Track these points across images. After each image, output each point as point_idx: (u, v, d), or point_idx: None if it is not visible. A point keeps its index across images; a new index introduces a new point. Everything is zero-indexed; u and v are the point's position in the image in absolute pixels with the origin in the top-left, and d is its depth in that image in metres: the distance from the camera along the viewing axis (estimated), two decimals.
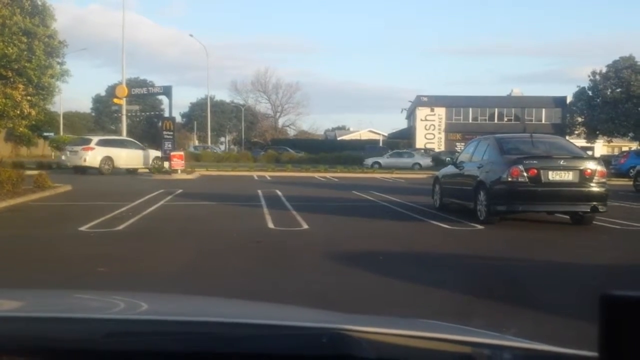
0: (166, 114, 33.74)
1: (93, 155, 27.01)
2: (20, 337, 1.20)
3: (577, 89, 57.58)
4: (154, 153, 29.09)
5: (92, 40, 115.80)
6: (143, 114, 59.42)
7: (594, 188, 10.39)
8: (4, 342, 1.17)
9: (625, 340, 0.75)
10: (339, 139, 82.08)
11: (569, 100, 60.76)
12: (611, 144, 60.99)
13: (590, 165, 10.56)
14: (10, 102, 20.31)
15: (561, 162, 10.44)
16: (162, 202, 14.09)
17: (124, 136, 31.47)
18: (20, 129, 26.09)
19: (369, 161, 41.51)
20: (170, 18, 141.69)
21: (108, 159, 27.26)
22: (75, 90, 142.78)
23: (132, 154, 28.60)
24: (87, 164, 26.83)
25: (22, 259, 7.40)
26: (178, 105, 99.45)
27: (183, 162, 26.22)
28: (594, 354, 0.97)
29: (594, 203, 10.33)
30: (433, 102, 64.32)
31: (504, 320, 4.69)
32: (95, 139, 28.93)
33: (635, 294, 0.75)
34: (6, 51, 19.86)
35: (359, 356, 1.12)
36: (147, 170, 27.84)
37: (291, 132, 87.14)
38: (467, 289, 5.94)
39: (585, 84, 56.48)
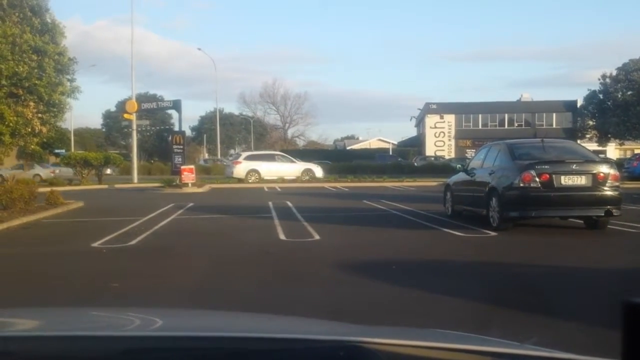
0: (176, 128, 33.85)
1: (240, 169, 31.37)
2: (38, 357, 1.20)
3: (587, 92, 57.47)
4: (303, 165, 32.81)
5: (98, 56, 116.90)
6: (153, 128, 59.80)
7: (608, 192, 10.30)
8: None
9: None
10: (348, 148, 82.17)
11: (579, 104, 60.50)
12: (623, 147, 60.59)
13: (603, 169, 10.47)
14: (22, 120, 20.47)
15: (573, 167, 10.36)
16: (173, 216, 14.12)
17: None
18: (32, 146, 26.30)
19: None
20: (176, 32, 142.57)
21: (254, 172, 31.21)
22: (84, 107, 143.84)
23: (280, 166, 32.05)
24: (234, 175, 31.23)
25: (35, 276, 7.42)
26: (187, 118, 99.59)
27: (193, 175, 26.30)
28: None
29: (608, 207, 10.24)
30: (442, 109, 64.28)
31: (523, 328, 4.64)
32: (244, 154, 34.59)
33: None
34: (17, 69, 20.04)
35: None
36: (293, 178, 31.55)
37: (300, 143, 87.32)
38: (483, 297, 5.89)
39: (596, 87, 56.35)
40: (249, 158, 32.92)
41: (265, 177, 31.23)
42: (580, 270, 7.22)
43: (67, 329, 1.49)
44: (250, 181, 30.62)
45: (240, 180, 30.60)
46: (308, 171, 32.43)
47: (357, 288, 6.43)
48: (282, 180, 30.76)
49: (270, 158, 33.61)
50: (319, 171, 32.83)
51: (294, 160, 33.83)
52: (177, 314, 2.24)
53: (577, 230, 10.93)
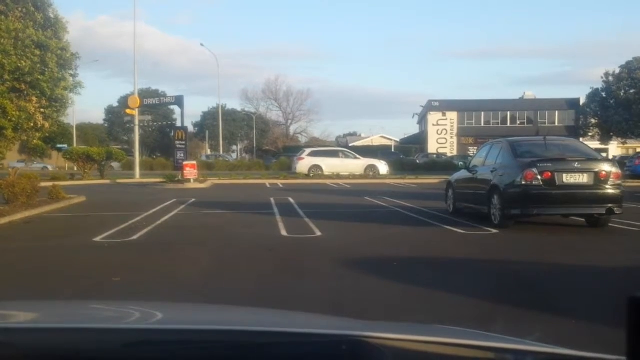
0: (178, 124, 33.96)
1: (303, 165, 32.20)
2: (39, 348, 1.20)
3: (590, 90, 57.32)
4: (367, 162, 32.78)
5: (100, 51, 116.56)
6: (155, 124, 59.69)
7: (609, 190, 10.29)
8: (23, 353, 1.17)
9: None
10: (350, 145, 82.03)
11: (582, 102, 60.41)
12: (625, 145, 60.50)
13: (605, 167, 10.45)
14: (24, 115, 20.45)
15: (575, 165, 10.35)
16: (175, 212, 14.13)
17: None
18: (34, 141, 26.27)
19: None
20: (178, 28, 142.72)
21: (316, 167, 31.92)
22: (86, 102, 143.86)
23: (343, 162, 32.33)
24: (297, 171, 31.93)
25: (37, 270, 7.44)
26: (190, 114, 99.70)
27: (196, 171, 26.34)
28: (621, 357, 0.94)
29: (610, 205, 10.23)
30: (445, 106, 64.22)
31: (524, 325, 4.64)
32: (307, 150, 35.12)
33: None
34: (19, 64, 20.03)
35: None
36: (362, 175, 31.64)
37: (303, 140, 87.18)
38: (484, 294, 5.89)
39: (599, 85, 56.25)
40: (312, 154, 33.20)
41: (328, 173, 31.42)
42: (581, 268, 7.21)
43: (67, 322, 1.49)
44: (311, 177, 30.77)
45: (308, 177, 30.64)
46: (372, 167, 32.30)
47: (358, 284, 6.43)
48: (337, 176, 30.65)
49: (333, 154, 33.83)
50: (383, 167, 32.53)
51: (358, 156, 33.69)
52: (178, 307, 2.24)
53: (578, 228, 10.92)
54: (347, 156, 33.36)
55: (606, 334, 4.20)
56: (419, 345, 1.17)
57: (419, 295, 5.93)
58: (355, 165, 32.41)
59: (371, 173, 31.79)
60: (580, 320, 4.92)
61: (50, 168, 35.98)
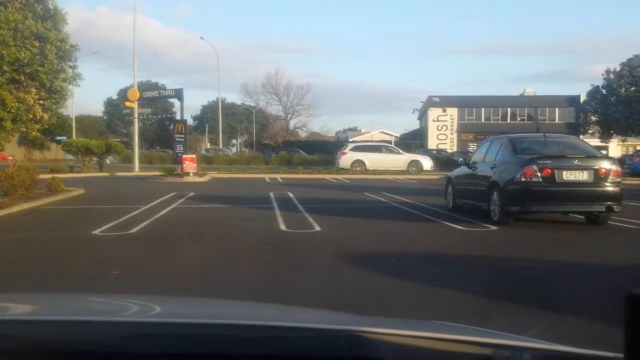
0: (178, 117, 33.84)
1: (345, 159, 32.43)
2: (37, 340, 1.20)
3: (590, 87, 57.27)
4: (410, 157, 32.99)
5: (99, 43, 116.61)
6: (155, 116, 59.71)
7: (609, 187, 10.29)
8: (21, 345, 1.17)
9: None
10: (350, 140, 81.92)
11: (582, 99, 60.32)
12: (626, 143, 60.48)
13: (605, 165, 10.45)
14: (23, 106, 20.45)
15: (575, 162, 10.34)
16: (174, 205, 14.13)
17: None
18: (33, 132, 26.30)
19: None
20: (178, 20, 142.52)
21: (359, 162, 32.08)
22: (86, 94, 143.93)
23: (386, 157, 32.35)
24: (340, 166, 32.28)
25: (35, 262, 7.43)
26: (189, 107, 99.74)
27: (195, 164, 26.32)
28: (618, 354, 0.94)
29: (609, 203, 10.23)
30: (445, 102, 64.13)
31: (521, 321, 4.64)
32: (350, 144, 35.90)
33: None
34: (19, 55, 20.01)
35: (376, 358, 1.10)
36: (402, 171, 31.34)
37: (302, 134, 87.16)
38: (481, 290, 5.89)
39: (599, 82, 56.17)
40: (354, 149, 33.39)
41: (371, 168, 31.43)
42: (579, 265, 7.22)
43: (65, 314, 1.49)
44: (353, 172, 30.77)
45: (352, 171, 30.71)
46: (415, 163, 32.24)
47: (357, 279, 6.43)
48: (380, 171, 30.47)
49: (376, 149, 33.78)
50: (427, 163, 32.44)
51: (401, 151, 33.74)
52: (176, 301, 2.24)
53: (577, 226, 10.93)
54: (390, 151, 33.35)
55: (604, 330, 4.20)
56: (416, 340, 1.17)
57: (417, 290, 5.93)
58: (399, 160, 32.30)
59: (414, 168, 31.57)
60: (577, 317, 4.93)
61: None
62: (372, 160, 31.92)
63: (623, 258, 7.92)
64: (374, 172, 31.74)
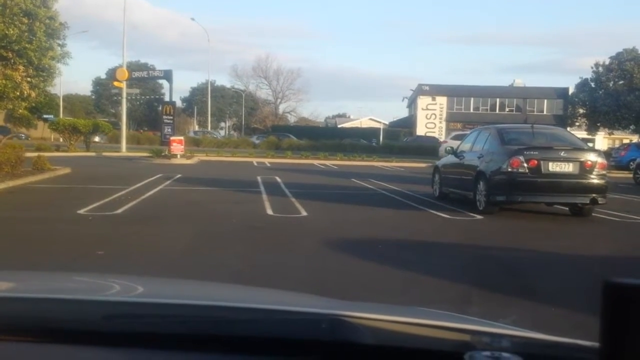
0: (166, 98, 33.66)
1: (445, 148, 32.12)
2: (19, 318, 1.20)
3: (579, 80, 57.51)
4: None
5: (88, 22, 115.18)
6: (143, 97, 59.30)
7: (594, 180, 10.37)
8: (2, 323, 1.17)
9: (627, 329, 0.73)
10: (339, 126, 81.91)
11: (571, 91, 60.60)
12: (612, 136, 60.92)
13: (591, 157, 10.53)
14: (10, 84, 20.21)
15: (562, 154, 10.41)
16: (160, 187, 14.08)
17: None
18: (20, 110, 26.00)
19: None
20: (167, 1, 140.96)
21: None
22: (74, 73, 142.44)
23: None
24: (440, 155, 31.39)
25: (20, 241, 7.40)
26: (178, 89, 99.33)
27: (183, 147, 26.23)
28: (594, 343, 0.95)
29: (594, 195, 10.32)
30: (434, 91, 64.14)
31: (502, 309, 4.70)
32: (453, 133, 36.82)
33: (638, 281, 0.73)
34: (7, 32, 19.75)
35: (358, 342, 1.11)
36: None
37: (292, 119, 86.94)
38: (464, 278, 5.95)
39: (588, 75, 56.44)
40: (455, 137, 33.16)
41: None
42: (561, 255, 7.29)
43: (47, 292, 1.48)
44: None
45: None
46: None
47: (341, 265, 6.46)
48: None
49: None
50: None
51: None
52: (159, 281, 2.24)
53: (561, 217, 11.03)
54: None
55: (582, 319, 4.26)
56: (397, 325, 1.18)
57: (401, 276, 5.97)
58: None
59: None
60: (556, 305, 4.99)
61: (23, 137, 36.02)
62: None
63: (604, 249, 8.02)
64: (362, 159, 31.76)
